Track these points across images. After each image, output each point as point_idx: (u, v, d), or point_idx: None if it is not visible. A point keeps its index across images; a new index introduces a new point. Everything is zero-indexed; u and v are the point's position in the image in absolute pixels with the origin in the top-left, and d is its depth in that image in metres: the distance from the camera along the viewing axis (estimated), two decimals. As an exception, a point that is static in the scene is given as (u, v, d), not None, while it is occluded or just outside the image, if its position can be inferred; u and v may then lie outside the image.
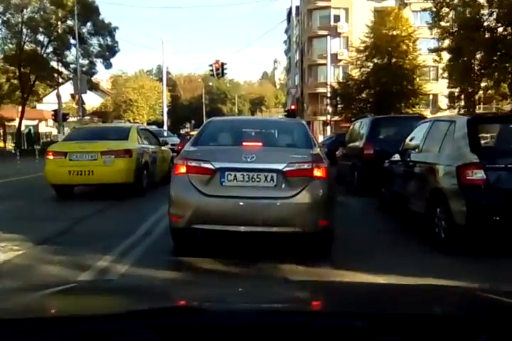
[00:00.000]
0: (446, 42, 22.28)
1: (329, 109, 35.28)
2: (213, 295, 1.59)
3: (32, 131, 41.36)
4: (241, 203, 5.04)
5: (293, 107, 29.74)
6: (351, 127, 12.61)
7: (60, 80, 30.43)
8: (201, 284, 2.01)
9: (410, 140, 7.26)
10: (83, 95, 25.70)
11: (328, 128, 38.61)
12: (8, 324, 1.19)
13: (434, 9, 21.51)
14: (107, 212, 8.50)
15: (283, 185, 5.03)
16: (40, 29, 28.12)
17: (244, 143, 5.38)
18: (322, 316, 1.27)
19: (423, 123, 7.20)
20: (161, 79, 46.66)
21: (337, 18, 47.42)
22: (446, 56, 23.53)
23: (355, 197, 10.19)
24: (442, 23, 21.37)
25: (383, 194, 8.22)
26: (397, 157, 7.60)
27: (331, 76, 40.15)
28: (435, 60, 24.67)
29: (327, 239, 5.36)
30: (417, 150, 6.75)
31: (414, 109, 28.59)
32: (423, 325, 1.16)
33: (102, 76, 61.37)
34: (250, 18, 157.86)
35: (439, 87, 34.17)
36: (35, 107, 47.37)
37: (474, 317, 1.30)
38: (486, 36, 19.71)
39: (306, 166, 5.08)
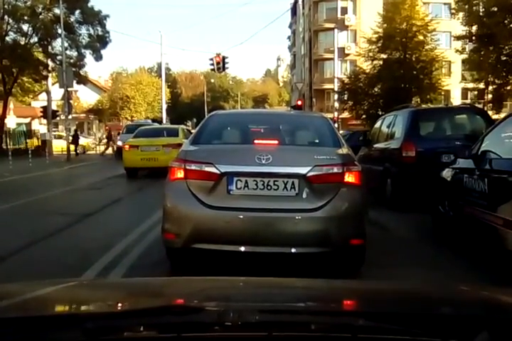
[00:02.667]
0: (473, 29, 19.98)
1: (337, 105, 33.18)
2: (213, 293, 1.59)
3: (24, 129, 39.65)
4: (253, 217, 4.20)
5: (299, 103, 27.44)
6: (379, 122, 10.33)
7: (46, 73, 28.09)
8: (201, 283, 1.86)
9: (493, 140, 4.90)
10: (79, 92, 23.81)
11: (336, 126, 36.49)
12: (9, 323, 1.18)
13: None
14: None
15: (306, 194, 4.19)
16: (25, 17, 25.83)
17: (256, 141, 4.54)
18: (323, 315, 1.25)
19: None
20: (160, 76, 44.25)
21: (344, 10, 45.30)
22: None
23: (388, 212, 8.12)
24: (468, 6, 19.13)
25: (442, 214, 5.87)
26: (465, 163, 5.29)
27: (338, 71, 37.99)
28: (457, 50, 22.52)
29: (357, 260, 4.45)
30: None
31: (431, 105, 26.33)
32: (423, 324, 1.14)
33: (103, 73, 59.50)
34: (252, 15, 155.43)
35: (451, 83, 32.48)
36: (30, 104, 45.47)
37: (474, 316, 1.28)
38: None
39: (335, 170, 4.24)
